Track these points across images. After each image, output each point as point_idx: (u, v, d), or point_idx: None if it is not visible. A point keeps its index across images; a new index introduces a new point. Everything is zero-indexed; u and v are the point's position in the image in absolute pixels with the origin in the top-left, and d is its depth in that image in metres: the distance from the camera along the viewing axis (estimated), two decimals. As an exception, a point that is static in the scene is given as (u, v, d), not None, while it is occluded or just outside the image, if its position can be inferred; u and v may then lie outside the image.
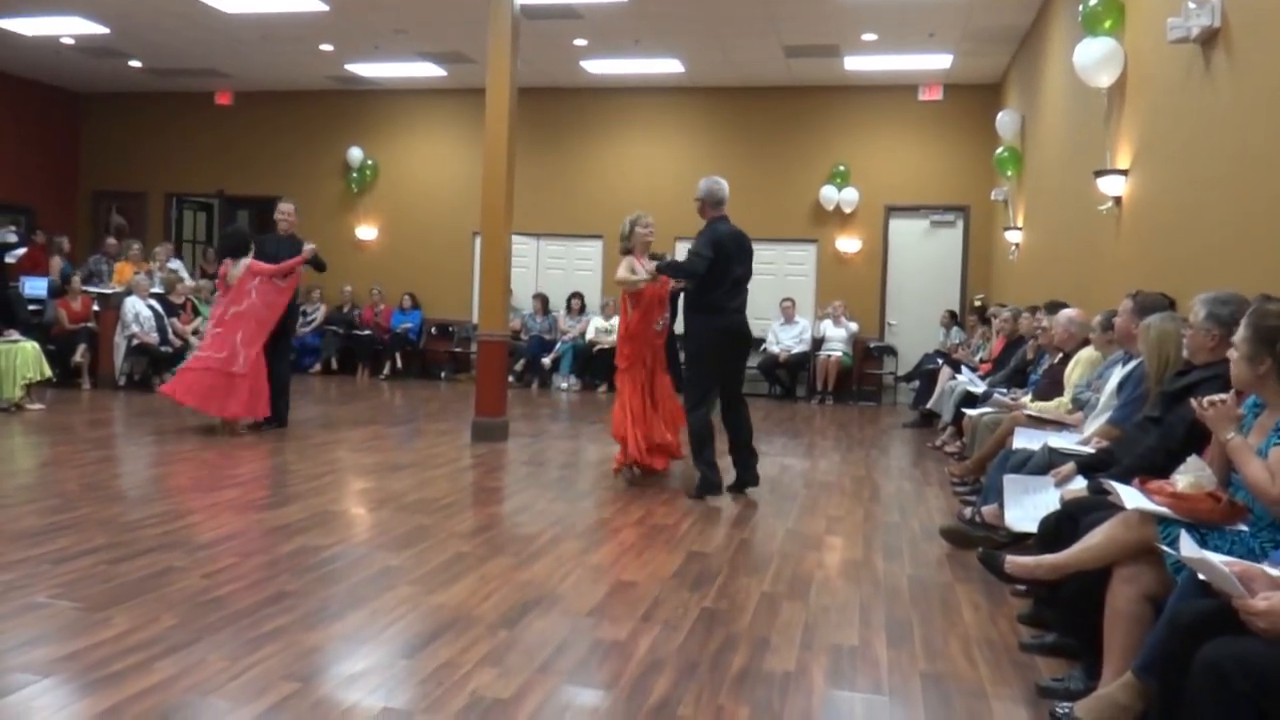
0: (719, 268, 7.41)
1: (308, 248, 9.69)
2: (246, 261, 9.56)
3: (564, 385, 15.32)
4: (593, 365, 15.32)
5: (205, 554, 5.29)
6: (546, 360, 15.40)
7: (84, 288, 13.65)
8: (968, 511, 6.32)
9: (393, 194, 17.02)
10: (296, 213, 10.19)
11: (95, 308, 13.28)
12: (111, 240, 15.66)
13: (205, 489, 7.07)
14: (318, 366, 15.95)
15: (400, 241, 16.99)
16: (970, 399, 9.22)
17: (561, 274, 16.41)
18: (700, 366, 7.54)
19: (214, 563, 5.13)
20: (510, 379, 13.25)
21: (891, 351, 15.20)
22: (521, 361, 15.48)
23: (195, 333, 13.37)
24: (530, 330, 15.82)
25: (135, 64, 15.94)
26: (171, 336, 13.14)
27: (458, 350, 16.50)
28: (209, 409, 9.41)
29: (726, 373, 7.63)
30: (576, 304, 15.92)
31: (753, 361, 13.94)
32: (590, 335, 15.49)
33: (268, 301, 9.51)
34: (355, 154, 16.84)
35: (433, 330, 16.69)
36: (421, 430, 10.56)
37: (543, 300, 16.03)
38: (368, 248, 17.12)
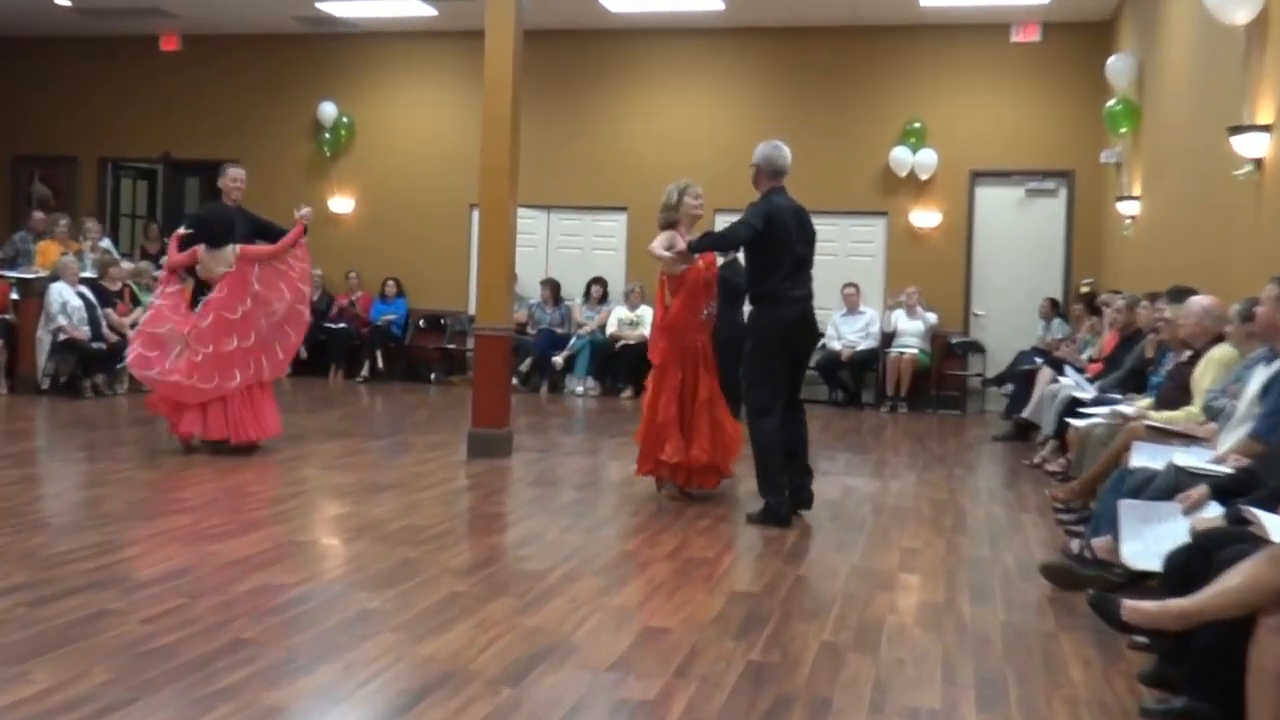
0: (775, 248, 7.52)
1: (303, 212, 9.74)
2: (232, 249, 9.44)
3: (579, 389, 15.35)
4: (615, 365, 15.35)
5: (146, 594, 5.29)
6: (558, 359, 15.44)
7: (1, 272, 13.69)
8: (1075, 544, 6.31)
9: (372, 159, 17.11)
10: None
11: (14, 296, 13.23)
12: (39, 214, 15.66)
13: (146, 515, 7.10)
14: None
15: (381, 216, 17.08)
16: (1076, 406, 9.17)
17: (577, 255, 16.52)
18: (761, 367, 7.61)
19: (156, 604, 5.13)
20: (514, 381, 13.14)
21: (978, 348, 15.27)
22: (528, 361, 15.49)
23: (134, 325, 13.20)
24: (538, 323, 15.91)
25: (63, 1, 15.96)
26: (105, 330, 13.06)
27: (450, 347, 16.59)
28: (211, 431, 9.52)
29: (785, 370, 7.65)
30: (596, 291, 16.00)
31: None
32: (612, 328, 15.54)
33: (289, 287, 9.54)
34: (328, 110, 16.84)
35: (420, 323, 16.81)
36: (407, 444, 10.58)
37: (554, 287, 16.13)
38: (343, 223, 17.17)
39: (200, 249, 9.49)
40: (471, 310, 15.39)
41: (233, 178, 9.84)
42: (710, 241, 7.85)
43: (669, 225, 8.06)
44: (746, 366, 7.59)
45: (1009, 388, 13.24)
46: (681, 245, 7.89)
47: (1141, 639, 4.83)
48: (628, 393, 14.93)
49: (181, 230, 9.95)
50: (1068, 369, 10.74)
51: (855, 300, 15.15)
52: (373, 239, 17.06)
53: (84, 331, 12.94)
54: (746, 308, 8.12)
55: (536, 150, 15.39)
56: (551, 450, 10.39)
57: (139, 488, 7.94)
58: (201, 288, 9.67)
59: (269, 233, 9.86)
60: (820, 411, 13.59)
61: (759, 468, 7.64)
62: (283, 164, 17.26)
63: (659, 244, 7.99)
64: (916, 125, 15.20)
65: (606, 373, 15.48)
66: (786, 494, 7.57)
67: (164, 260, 10.22)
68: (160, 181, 18.44)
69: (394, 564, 6.08)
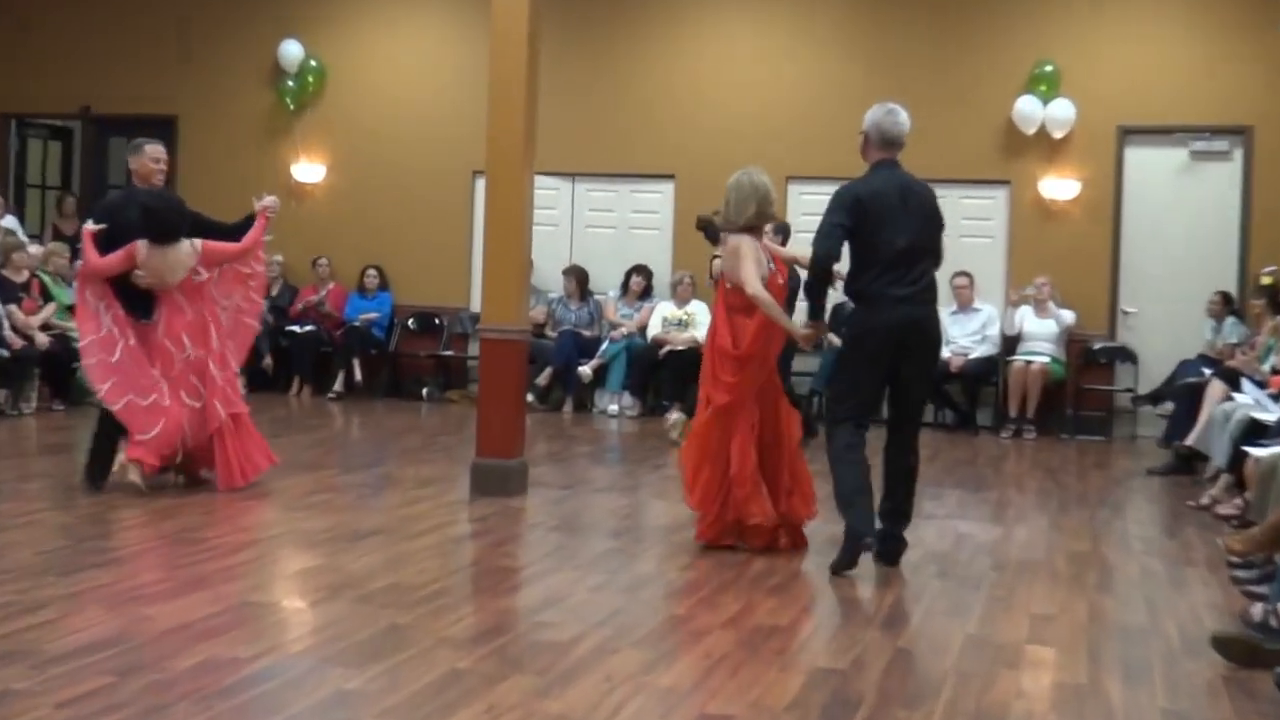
0: (869, 238, 7.66)
1: (266, 201, 9.91)
2: (190, 247, 9.46)
3: (613, 408, 15.44)
4: (658, 377, 15.41)
5: (62, 671, 5.30)
6: (586, 369, 15.50)
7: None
8: (1256, 610, 6.30)
9: (348, 113, 17.17)
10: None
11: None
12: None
13: (63, 569, 7.06)
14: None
15: (360, 186, 17.08)
16: (1258, 431, 9.27)
17: (611, 235, 16.59)
18: (845, 378, 7.95)
19: (75, 684, 5.13)
20: (530, 398, 13.36)
21: (1128, 356, 15.29)
22: (547, 372, 15.57)
23: (46, 328, 13.47)
24: (561, 323, 16.02)
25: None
26: (7, 333, 13.00)
27: (448, 354, 16.70)
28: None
29: (880, 388, 7.83)
30: (636, 283, 16.04)
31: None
32: (655, 330, 15.57)
33: (245, 299, 9.79)
34: (291, 51, 16.86)
35: (410, 323, 16.94)
36: (394, 478, 10.82)
37: (580, 277, 16.16)
38: (310, 195, 17.24)
39: (139, 246, 9.28)
40: (475, 307, 15.68)
41: (152, 157, 9.78)
42: (812, 281, 7.79)
43: (748, 229, 8.09)
44: (831, 374, 7.67)
45: (1168, 407, 13.23)
46: (764, 260, 8.06)
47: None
48: (675, 415, 13.90)
49: (91, 225, 9.52)
50: (1245, 383, 10.74)
51: (968, 295, 15.14)
52: (348, 216, 17.03)
53: (-24, 334, 13.98)
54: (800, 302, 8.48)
55: (560, 105, 15.14)
56: (578, 486, 10.50)
57: (53, 534, 7.95)
58: (135, 299, 9.52)
59: (209, 232, 9.78)
60: (924, 436, 13.56)
61: (836, 491, 7.77)
62: (232, 120, 17.36)
63: (749, 268, 7.96)
64: (1048, 69, 15.15)
65: (647, 387, 15.53)
66: (874, 518, 7.71)
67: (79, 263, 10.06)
68: (78, 143, 18.41)
69: (378, 632, 6.09)
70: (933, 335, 7.90)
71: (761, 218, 8.18)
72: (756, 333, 8.04)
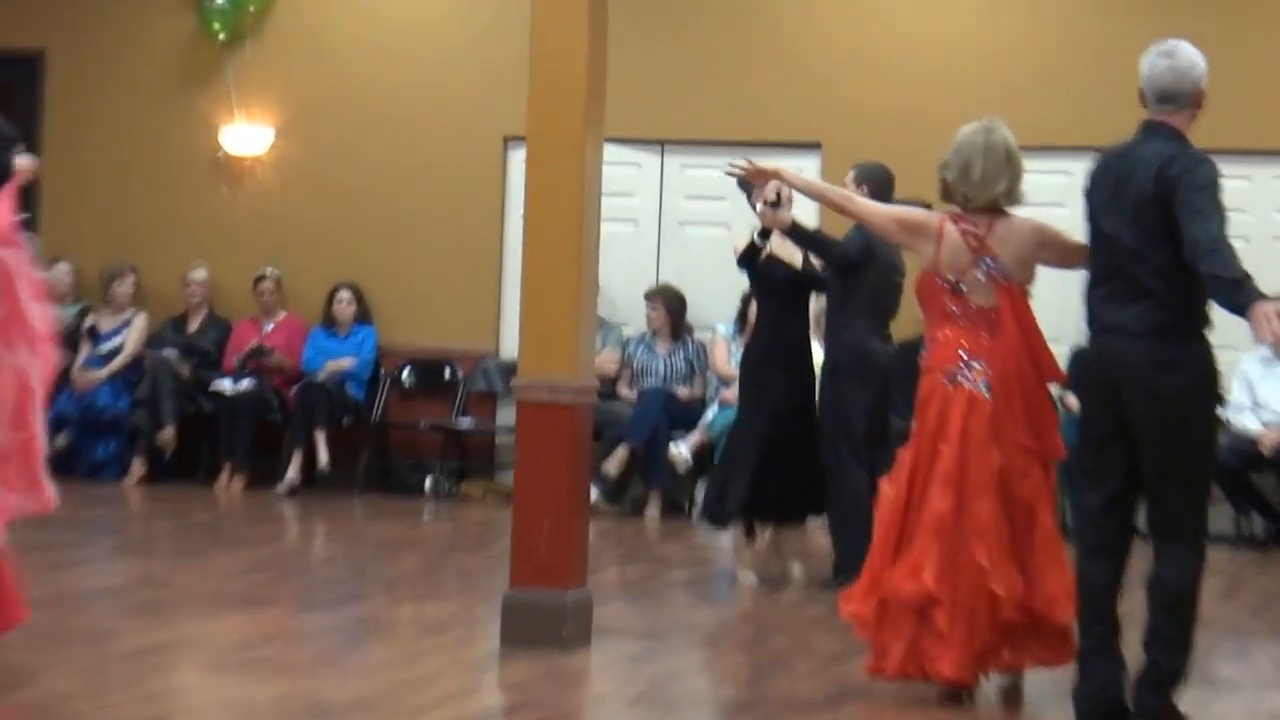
0: (1091, 233, 7.96)
1: (21, 162, 9.34)
2: None
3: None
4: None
5: None
6: (682, 449, 15.66)
7: None
8: None
9: (309, 45, 17.34)
10: None
11: None
12: None
13: None
14: (134, 466, 16.22)
15: (325, 160, 17.17)
16: None
17: (720, 238, 16.17)
18: (1079, 442, 8.10)
19: None
20: (595, 495, 13.25)
21: None
22: (622, 452, 15.72)
23: None
24: (644, 376, 16.40)
25: None
26: None
27: (465, 424, 16.77)
28: None
29: (1114, 457, 7.95)
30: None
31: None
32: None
33: (30, 285, 9.69)
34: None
35: (405, 377, 16.99)
36: (381, 621, 10.78)
37: (673, 304, 16.31)
38: (248, 174, 17.46)
39: None
40: (508, 351, 15.80)
41: None
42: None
43: (982, 211, 8.57)
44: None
45: None
46: None
47: None
48: (817, 520, 13.66)
49: None
50: None
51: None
52: (308, 206, 17.04)
53: None
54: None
55: (639, 31, 15.53)
56: (670, 635, 10.45)
57: None
58: None
59: None
60: (1216, 556, 12.01)
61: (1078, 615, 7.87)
62: (128, 57, 17.58)
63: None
64: None
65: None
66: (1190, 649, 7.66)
67: None
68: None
69: None
70: (1149, 380, 7.89)
71: (1011, 198, 8.59)
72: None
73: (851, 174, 9.34)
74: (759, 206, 9.84)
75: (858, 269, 11.02)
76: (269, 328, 16.21)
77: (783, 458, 11.77)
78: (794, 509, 12.24)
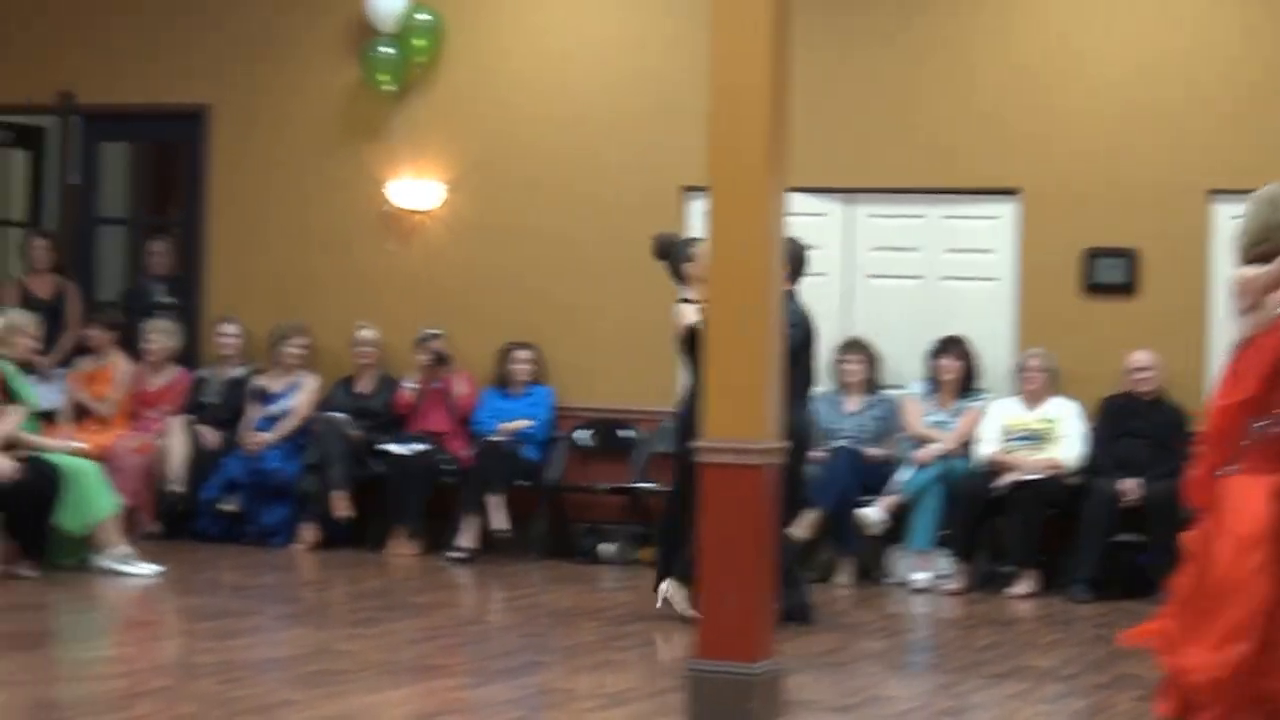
0: None
1: None
2: None
3: (919, 576, 15.06)
4: (995, 524, 15.21)
5: None
6: (875, 512, 15.33)
7: None
8: None
9: (482, 98, 17.20)
10: None
11: None
12: None
13: None
14: (303, 531, 16.44)
15: (498, 216, 17.10)
16: None
17: (912, 290, 16.49)
18: None
19: None
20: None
21: None
22: (810, 516, 15.00)
23: (10, 447, 14.13)
24: (831, 435, 15.84)
25: None
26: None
27: (647, 488, 16.35)
28: None
29: None
30: (953, 368, 15.66)
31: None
32: (991, 448, 15.22)
33: None
34: (389, 2, 16.91)
35: (583, 438, 16.83)
36: (558, 692, 10.75)
37: (862, 355, 16.12)
38: (417, 231, 17.49)
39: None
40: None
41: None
42: None
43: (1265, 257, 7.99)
44: None
45: None
46: None
47: None
48: (1020, 587, 14.21)
49: None
50: None
51: None
52: (480, 263, 17.06)
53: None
54: None
55: (823, 76, 15.48)
56: (865, 708, 10.28)
57: None
58: None
59: None
60: None
61: None
62: (293, 111, 17.51)
63: None
64: None
65: (977, 541, 15.01)
66: None
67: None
68: (56, 145, 18.55)
69: None
70: None
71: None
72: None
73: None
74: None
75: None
76: (435, 386, 17.01)
77: None
78: None
